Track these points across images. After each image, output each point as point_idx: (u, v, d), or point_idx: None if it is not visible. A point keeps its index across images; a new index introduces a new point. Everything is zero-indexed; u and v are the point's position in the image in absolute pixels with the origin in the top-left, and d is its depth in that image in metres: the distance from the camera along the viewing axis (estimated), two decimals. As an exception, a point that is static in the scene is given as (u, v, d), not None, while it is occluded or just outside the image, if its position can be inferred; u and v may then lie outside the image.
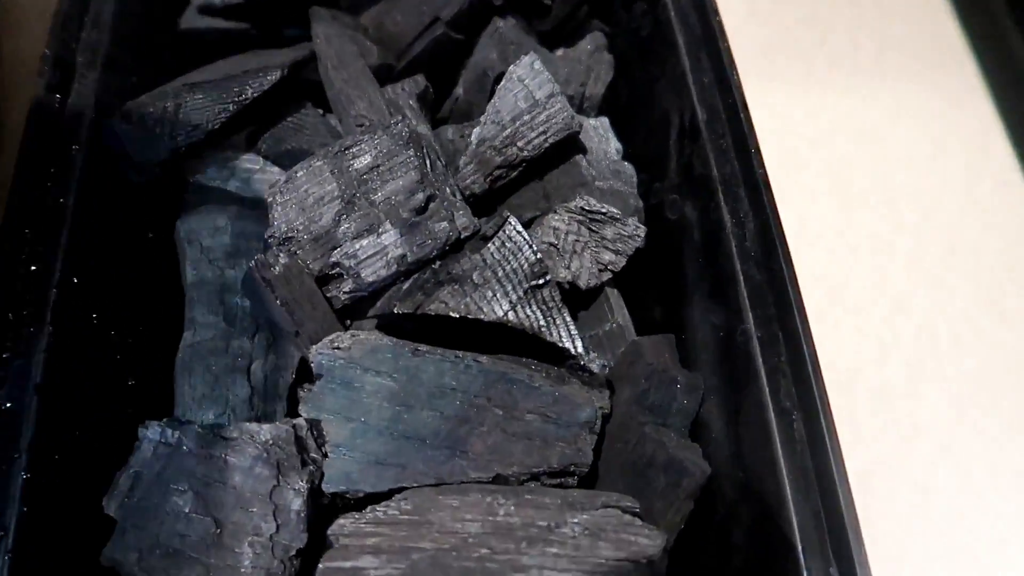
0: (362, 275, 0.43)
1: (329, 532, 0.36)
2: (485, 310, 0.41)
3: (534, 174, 0.50)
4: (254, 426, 0.38)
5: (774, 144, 0.57)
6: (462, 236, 0.44)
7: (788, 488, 0.37)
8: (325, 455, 0.39)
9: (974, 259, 0.60)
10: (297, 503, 0.37)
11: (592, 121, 0.54)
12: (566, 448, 0.41)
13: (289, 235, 0.44)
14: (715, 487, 0.41)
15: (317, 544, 0.38)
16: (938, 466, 0.52)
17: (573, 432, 0.41)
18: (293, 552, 0.37)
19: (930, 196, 0.63)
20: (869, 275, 0.59)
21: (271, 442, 0.38)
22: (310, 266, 0.44)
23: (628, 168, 0.53)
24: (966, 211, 0.62)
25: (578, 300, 0.48)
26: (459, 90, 0.56)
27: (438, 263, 0.43)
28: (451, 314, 0.41)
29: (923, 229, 0.62)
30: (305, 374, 0.45)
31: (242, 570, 0.37)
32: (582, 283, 0.46)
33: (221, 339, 0.44)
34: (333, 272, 0.44)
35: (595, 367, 0.42)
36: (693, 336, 0.46)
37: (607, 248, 0.47)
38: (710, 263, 0.46)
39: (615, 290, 0.49)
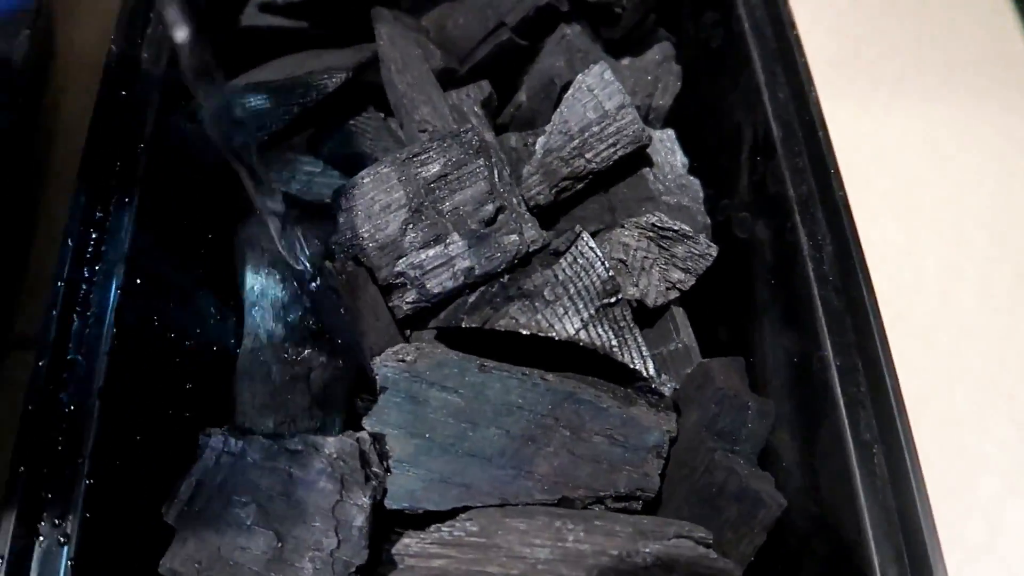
0: (427, 286, 0.42)
1: (394, 551, 0.35)
2: (556, 327, 0.40)
3: (599, 186, 0.49)
4: (319, 439, 0.37)
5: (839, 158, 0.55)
6: (530, 250, 0.43)
7: (868, 525, 0.36)
8: (388, 470, 0.38)
9: (1046, 287, 0.58)
10: (360, 519, 0.37)
11: (658, 133, 0.53)
12: (633, 472, 0.40)
13: (354, 242, 0.43)
14: (785, 519, 0.40)
15: (377, 560, 0.37)
16: (1006, 502, 0.50)
17: (640, 456, 0.40)
18: (354, 569, 0.37)
19: (1000, 219, 0.61)
20: (937, 301, 0.58)
21: (336, 456, 0.37)
22: (376, 273, 0.43)
23: (695, 183, 0.52)
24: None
25: (643, 318, 0.47)
26: (522, 96, 0.55)
27: (506, 277, 0.42)
28: (521, 331, 0.40)
29: (992, 253, 0.60)
30: (363, 385, 0.45)
31: (301, 586, 0.36)
32: (649, 301, 0.45)
33: (281, 346, 0.43)
34: (397, 282, 0.43)
35: (666, 391, 0.41)
36: (763, 360, 0.45)
37: (676, 266, 0.45)
38: (784, 286, 0.44)
39: (681, 308, 0.48)
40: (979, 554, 0.49)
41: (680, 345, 0.46)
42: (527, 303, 0.40)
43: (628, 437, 0.40)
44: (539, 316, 0.40)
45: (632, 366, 0.40)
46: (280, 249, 0.40)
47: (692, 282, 0.46)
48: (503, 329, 0.40)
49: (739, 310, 0.47)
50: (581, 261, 0.41)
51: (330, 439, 0.37)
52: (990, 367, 0.55)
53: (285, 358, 0.43)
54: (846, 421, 0.38)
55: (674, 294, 0.46)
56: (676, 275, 0.46)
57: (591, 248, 0.41)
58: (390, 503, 0.38)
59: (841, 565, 0.36)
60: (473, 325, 0.40)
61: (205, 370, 0.44)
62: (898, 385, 0.39)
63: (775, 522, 0.38)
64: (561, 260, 0.41)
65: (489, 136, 0.49)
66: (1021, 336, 0.56)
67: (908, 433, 0.37)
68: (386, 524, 0.38)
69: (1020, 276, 0.58)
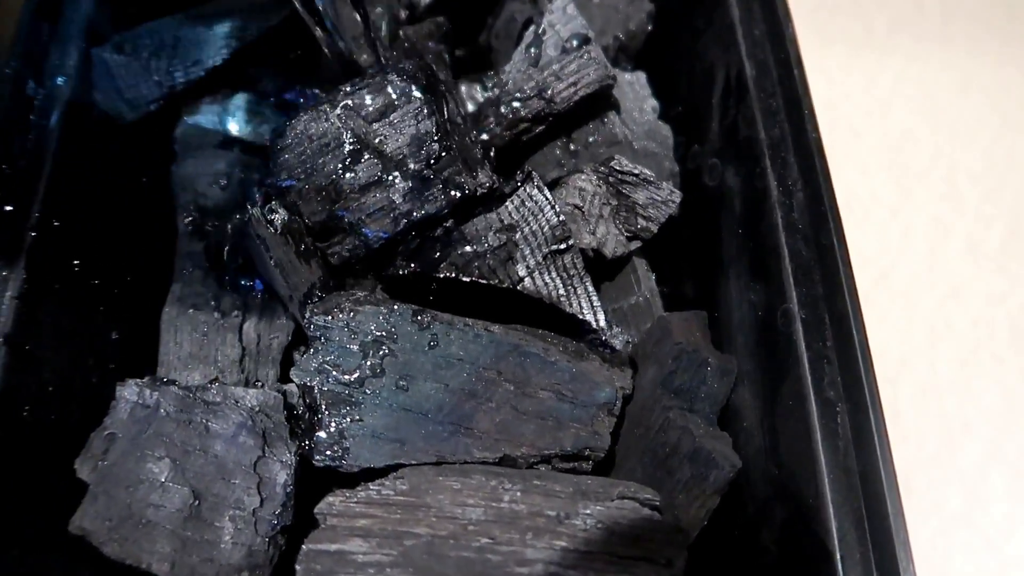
0: (366, 231, 0.39)
1: (316, 511, 0.33)
2: (499, 275, 0.37)
3: (561, 130, 0.46)
4: (239, 390, 0.34)
5: (825, 112, 0.52)
6: (478, 193, 0.40)
7: (828, 488, 0.33)
8: (316, 425, 0.36)
9: (1040, 246, 0.55)
10: (283, 476, 0.34)
11: (628, 76, 0.50)
12: (581, 430, 0.37)
13: (289, 184, 0.40)
14: (743, 481, 0.37)
15: (305, 522, 0.35)
16: (989, 468, 0.48)
17: (590, 413, 0.37)
18: (278, 529, 0.34)
19: (994, 174, 0.58)
20: (923, 259, 0.55)
21: (257, 409, 0.34)
22: (310, 218, 0.40)
23: (665, 128, 0.48)
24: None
25: (602, 270, 0.44)
26: (484, 36, 0.51)
27: (450, 222, 0.39)
28: (461, 278, 0.37)
29: (985, 211, 0.57)
30: (301, 338, 0.42)
31: (222, 546, 0.34)
32: (608, 251, 0.42)
33: (212, 294, 0.40)
34: (335, 225, 0.40)
35: (617, 343, 0.38)
36: (727, 315, 0.42)
37: (638, 214, 0.42)
38: (752, 235, 0.41)
39: (643, 260, 0.45)
40: (956, 523, 0.46)
41: (641, 299, 0.43)
42: (469, 249, 0.37)
43: (577, 393, 0.37)
44: (481, 262, 0.37)
45: (581, 316, 0.38)
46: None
47: (654, 231, 0.43)
48: (443, 276, 0.37)
49: (705, 263, 0.45)
50: (529, 204, 0.38)
51: (251, 391, 0.34)
52: (978, 330, 0.52)
53: (215, 307, 0.40)
54: (809, 378, 0.35)
55: (635, 244, 0.43)
56: (638, 223, 0.43)
57: (540, 190, 0.38)
58: (318, 460, 0.35)
59: (799, 530, 0.34)
60: (411, 272, 0.38)
61: (136, 320, 0.42)
62: (866, 341, 0.36)
63: (729, 484, 0.36)
64: (508, 203, 0.38)
65: (443, 74, 0.46)
66: (1012, 297, 0.53)
67: (875, 392, 0.35)
68: (316, 483, 0.36)
69: (1013, 234, 0.55)
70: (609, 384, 0.38)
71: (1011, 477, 0.47)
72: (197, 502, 0.34)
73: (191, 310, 0.40)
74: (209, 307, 0.40)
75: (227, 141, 0.45)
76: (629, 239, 0.43)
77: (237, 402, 0.34)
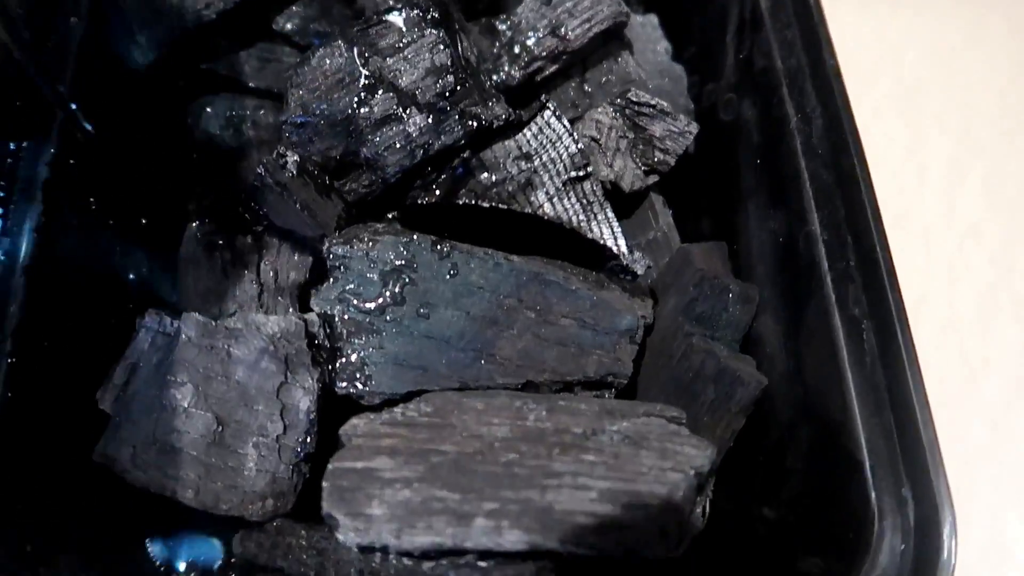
0: (383, 165, 0.39)
1: (341, 432, 0.33)
2: (519, 200, 0.37)
3: (576, 70, 0.46)
4: (260, 317, 0.34)
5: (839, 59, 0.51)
6: (495, 125, 0.39)
7: (856, 404, 0.33)
8: (339, 353, 0.35)
9: (1057, 186, 0.55)
10: (306, 403, 0.34)
11: (639, 18, 0.49)
12: (604, 357, 0.37)
13: (306, 120, 0.40)
14: (768, 407, 0.37)
15: (329, 449, 0.34)
16: (1012, 403, 0.47)
17: (612, 340, 0.37)
18: (302, 456, 0.34)
19: (1009, 119, 0.58)
20: (940, 201, 0.54)
21: (279, 335, 0.34)
22: (326, 154, 0.40)
23: (678, 68, 0.48)
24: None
25: (620, 206, 0.44)
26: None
27: (468, 153, 0.39)
28: (480, 204, 0.37)
29: (1000, 154, 0.56)
30: (320, 276, 0.42)
31: (245, 472, 0.34)
32: (625, 185, 0.42)
33: (228, 234, 0.40)
34: (351, 161, 0.40)
35: (639, 268, 0.38)
36: (747, 246, 0.42)
37: (655, 147, 0.42)
38: (770, 164, 0.41)
39: (660, 196, 0.44)
40: (981, 457, 0.46)
41: (659, 234, 0.43)
42: (488, 176, 0.37)
43: (599, 321, 0.37)
44: (500, 189, 0.37)
45: (601, 242, 0.37)
46: None
47: (671, 164, 0.42)
48: (462, 203, 0.37)
49: (723, 196, 0.44)
50: (548, 132, 0.38)
51: (273, 317, 0.34)
52: (996, 268, 0.52)
53: (231, 246, 0.40)
54: (833, 297, 0.35)
55: (652, 179, 0.43)
56: (655, 156, 0.42)
57: (558, 118, 0.38)
58: (340, 388, 0.35)
59: (826, 448, 0.34)
60: (430, 201, 0.37)
61: (155, 260, 0.42)
62: (891, 259, 0.35)
63: (754, 403, 0.35)
64: (525, 131, 0.38)
65: (455, 13, 0.45)
66: (1029, 234, 0.53)
67: (901, 308, 0.34)
68: (338, 414, 0.36)
69: (1029, 175, 0.55)
70: (630, 312, 0.38)
71: (1035, 411, 0.47)
72: (220, 428, 0.33)
73: (208, 249, 0.40)
74: (226, 246, 0.40)
75: (241, 87, 0.45)
76: (647, 173, 0.42)
77: (259, 328, 0.34)
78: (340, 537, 0.30)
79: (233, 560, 0.36)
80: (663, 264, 0.42)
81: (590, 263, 0.39)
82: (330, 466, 0.31)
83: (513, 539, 0.29)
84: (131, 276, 0.40)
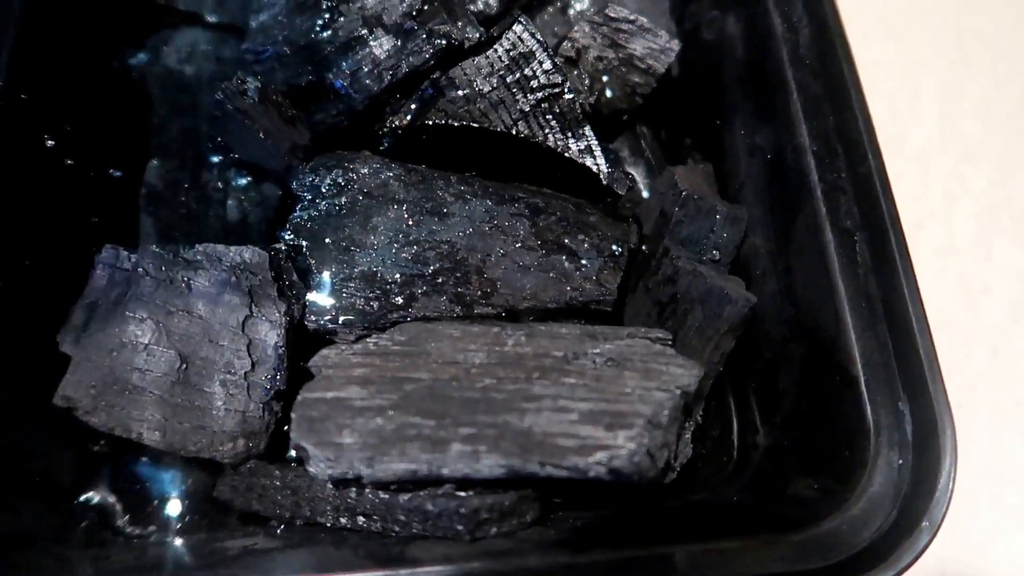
0: (350, 91, 0.37)
1: (311, 363, 0.31)
2: (491, 118, 0.35)
3: (552, -4, 0.44)
4: (221, 248, 0.33)
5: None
6: (465, 45, 0.37)
7: (849, 316, 0.31)
8: (308, 286, 0.34)
9: (1055, 105, 0.53)
10: (273, 337, 0.32)
11: (618, -62, 0.47)
12: (587, 283, 0.35)
13: (268, 48, 0.38)
14: (760, 329, 0.36)
15: (297, 383, 0.33)
16: (1013, 326, 0.46)
17: (595, 266, 0.35)
18: (272, 394, 0.33)
19: (1005, 36, 0.55)
20: (935, 123, 0.52)
21: (241, 266, 0.32)
22: (291, 82, 0.38)
23: (659, -11, 0.46)
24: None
25: (602, 131, 0.42)
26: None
27: (438, 73, 0.37)
28: (451, 123, 0.35)
29: (996, 72, 0.54)
30: (287, 210, 0.40)
31: (213, 412, 0.32)
32: (606, 107, 0.40)
33: (193, 171, 0.38)
34: (318, 89, 0.38)
35: (620, 187, 0.36)
36: (734, 166, 0.40)
37: (636, 67, 0.40)
38: (756, 79, 0.39)
39: (645, 121, 0.42)
40: (981, 380, 0.44)
41: (644, 159, 0.41)
42: (459, 94, 0.35)
43: (581, 246, 0.35)
44: (472, 107, 0.35)
45: (580, 160, 0.35)
46: None
47: (654, 85, 0.40)
48: (432, 124, 0.35)
49: (709, 119, 0.42)
50: (521, 48, 0.36)
51: (235, 247, 0.33)
52: (994, 191, 0.50)
53: (196, 183, 0.38)
54: (824, 210, 0.33)
55: (635, 101, 0.41)
56: (635, 79, 0.40)
57: (531, 34, 0.36)
58: (311, 322, 0.33)
59: (819, 364, 0.32)
60: (401, 124, 0.36)
61: (118, 204, 0.40)
62: (883, 167, 0.34)
63: (744, 323, 0.34)
64: (496, 47, 0.36)
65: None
66: (1028, 155, 0.51)
67: (895, 217, 0.33)
68: (310, 348, 0.34)
69: (1027, 95, 0.53)
70: (613, 236, 0.36)
71: (1035, 333, 0.46)
72: (184, 366, 0.32)
73: (170, 186, 0.38)
74: (188, 184, 0.38)
75: (203, 21, 0.43)
76: (628, 95, 0.40)
77: (220, 259, 0.32)
78: (311, 470, 0.29)
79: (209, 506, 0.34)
80: (648, 189, 0.40)
81: (571, 188, 0.38)
82: (299, 397, 0.30)
83: (491, 464, 0.27)
84: (93, 220, 0.38)
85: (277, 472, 0.32)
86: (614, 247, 0.36)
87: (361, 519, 0.30)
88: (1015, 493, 0.41)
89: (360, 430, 0.28)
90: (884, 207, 0.33)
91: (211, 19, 0.43)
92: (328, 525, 0.31)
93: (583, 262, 0.35)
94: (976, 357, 0.45)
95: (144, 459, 0.34)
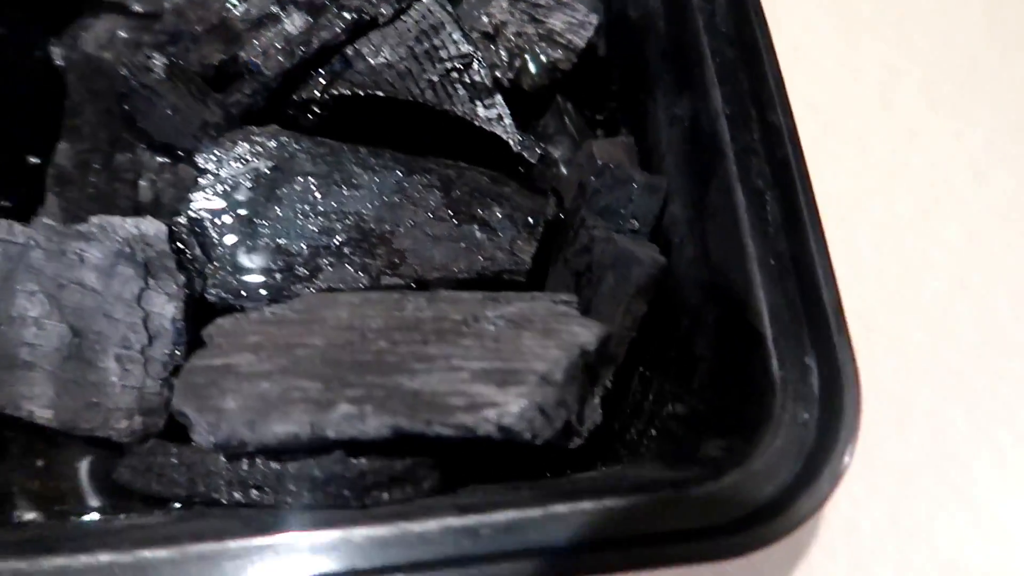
0: (263, 67, 0.37)
1: (204, 332, 0.30)
2: (399, 87, 0.35)
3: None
4: (117, 219, 0.32)
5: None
6: (379, 20, 0.37)
7: (757, 274, 0.31)
8: (211, 260, 0.33)
9: (996, 85, 0.53)
10: (171, 310, 0.32)
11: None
12: (499, 253, 0.34)
13: (180, 28, 0.38)
14: (679, 298, 0.35)
15: (198, 358, 0.32)
16: (954, 301, 0.45)
17: (508, 236, 0.35)
18: (171, 369, 0.32)
19: (945, 23, 0.55)
20: (875, 104, 0.52)
21: (137, 237, 0.32)
22: (206, 62, 0.37)
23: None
24: (991, 34, 0.54)
25: (524, 109, 0.41)
26: None
27: (350, 48, 0.37)
28: (358, 92, 0.34)
29: (938, 55, 0.54)
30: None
31: (108, 388, 0.31)
32: (526, 84, 0.40)
33: (103, 151, 0.38)
34: (232, 69, 0.37)
35: (531, 156, 0.36)
36: (656, 139, 0.39)
37: (556, 42, 0.40)
38: (675, 51, 0.39)
39: (568, 98, 0.42)
40: (921, 356, 0.43)
41: (566, 136, 0.41)
42: (366, 66, 0.35)
43: (494, 216, 0.35)
44: (379, 77, 0.35)
45: (488, 129, 0.35)
46: None
47: (574, 61, 0.40)
48: (337, 94, 0.34)
49: (631, 95, 0.42)
50: (431, 20, 0.36)
51: (131, 219, 0.32)
52: (936, 170, 0.50)
53: (107, 164, 0.38)
54: (735, 171, 0.33)
55: (556, 76, 0.40)
56: (556, 54, 0.40)
57: (441, 5, 0.36)
58: (212, 295, 0.33)
59: (731, 328, 0.31)
60: (306, 97, 0.35)
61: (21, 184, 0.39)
62: (794, 128, 0.33)
63: (654, 284, 0.33)
64: (405, 18, 0.35)
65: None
66: (970, 137, 0.51)
67: (805, 178, 0.32)
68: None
69: (969, 75, 0.53)
70: (529, 207, 0.35)
71: (978, 308, 0.45)
72: (77, 340, 0.31)
73: (80, 167, 0.37)
74: (100, 165, 0.37)
75: (124, 11, 0.42)
76: (549, 70, 0.40)
77: (116, 231, 0.31)
78: (195, 438, 0.28)
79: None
80: (566, 161, 0.40)
81: (485, 161, 0.37)
82: (186, 364, 0.29)
83: (376, 424, 0.26)
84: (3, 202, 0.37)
85: (174, 450, 0.31)
86: (529, 218, 0.35)
87: (254, 492, 0.29)
88: (957, 469, 0.40)
89: (244, 394, 0.27)
90: (794, 165, 0.32)
91: (135, 7, 0.43)
92: (224, 502, 0.30)
93: (496, 232, 0.35)
94: (916, 334, 0.44)
95: (40, 441, 0.33)
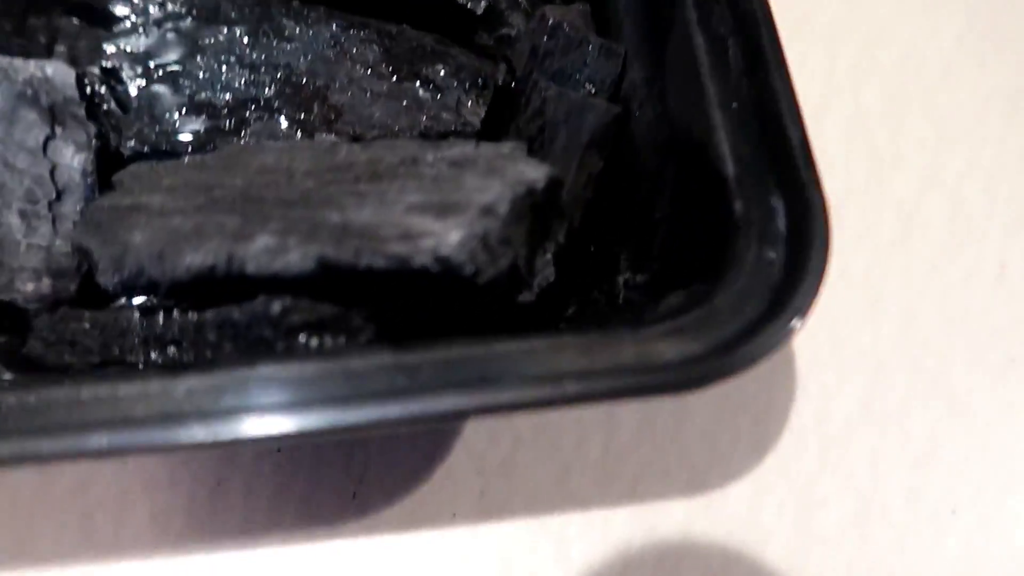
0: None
1: (115, 177, 0.28)
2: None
3: None
4: (19, 61, 0.29)
5: None
6: None
7: (718, 117, 0.28)
8: (127, 111, 0.30)
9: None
10: (80, 160, 0.29)
11: None
12: (445, 113, 0.32)
13: None
14: (638, 165, 0.33)
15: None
16: (925, 195, 0.43)
17: (455, 97, 0.32)
18: (83, 228, 0.29)
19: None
20: (842, 4, 0.50)
21: (42, 80, 0.29)
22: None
23: None
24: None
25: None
26: None
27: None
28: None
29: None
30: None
31: (11, 247, 0.28)
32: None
33: (15, 14, 0.35)
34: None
35: (476, 7, 0.33)
36: (613, 5, 0.37)
37: (506, -93, 0.37)
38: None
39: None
40: (892, 250, 0.42)
41: (519, 10, 0.38)
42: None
43: (438, 75, 0.32)
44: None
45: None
46: None
47: (528, -73, 0.38)
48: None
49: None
50: None
51: (35, 60, 0.29)
52: (906, 66, 0.48)
53: (21, 26, 0.34)
54: (695, 18, 0.31)
55: (509, -55, 0.38)
56: (508, -81, 0.38)
57: None
58: (129, 148, 0.30)
59: (692, 179, 0.29)
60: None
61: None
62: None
63: (608, 135, 0.31)
64: None
65: None
66: (943, 35, 0.49)
67: (770, 24, 0.30)
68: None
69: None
70: (477, 69, 0.33)
71: (950, 202, 0.43)
72: (-25, 192, 0.28)
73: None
74: (10, 28, 0.34)
75: None
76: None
77: (17, 72, 0.28)
78: (99, 279, 0.25)
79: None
80: (518, 37, 0.37)
81: (429, 27, 0.34)
82: (91, 204, 0.26)
83: (299, 256, 0.24)
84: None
85: (87, 314, 0.28)
86: (478, 79, 0.33)
87: (172, 349, 0.26)
88: (929, 354, 0.39)
89: (154, 228, 0.25)
90: (757, 9, 0.30)
91: None
92: (140, 365, 0.27)
93: (440, 91, 0.32)
94: (887, 227, 0.43)
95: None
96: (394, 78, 0.32)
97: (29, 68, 0.29)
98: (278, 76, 0.31)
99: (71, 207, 0.29)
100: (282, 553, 0.32)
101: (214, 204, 0.25)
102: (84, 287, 0.30)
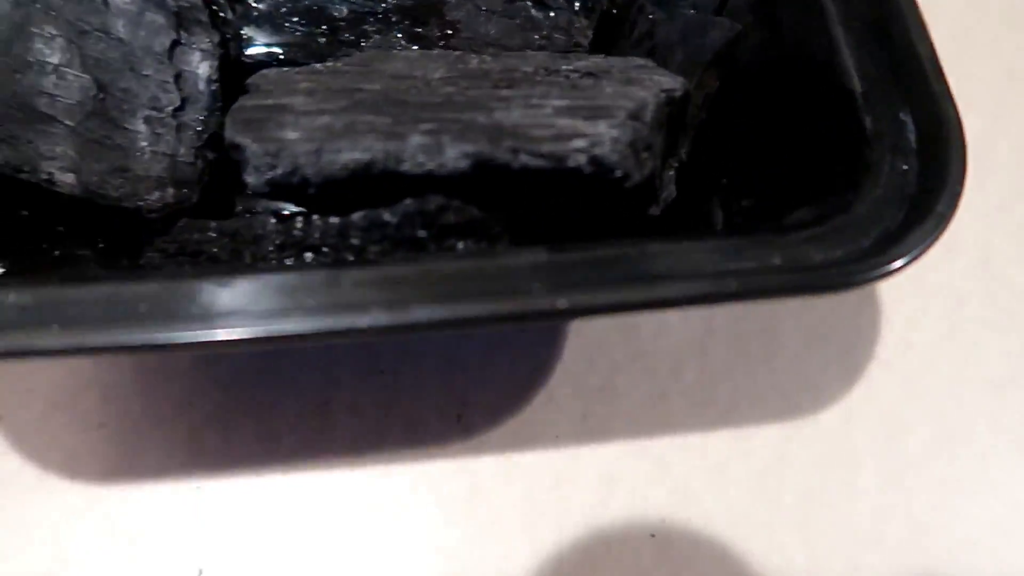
0: None
1: (248, 81, 0.27)
2: None
3: None
4: (143, -37, 0.29)
5: None
6: None
7: (840, 35, 0.29)
8: (247, 20, 0.30)
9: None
10: (205, 69, 0.29)
11: None
12: (556, 32, 0.32)
13: None
14: (747, 91, 0.33)
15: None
16: (997, 136, 0.44)
17: (565, 16, 0.32)
18: (206, 138, 0.29)
19: None
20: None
21: (167, -17, 0.28)
22: None
23: None
24: None
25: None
26: None
27: None
28: None
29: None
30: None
31: (137, 153, 0.28)
32: None
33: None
34: None
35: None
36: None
37: None
38: None
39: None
40: (969, 185, 0.42)
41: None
42: None
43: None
44: None
45: None
46: None
47: None
48: None
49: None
50: None
51: (158, -36, 0.29)
52: None
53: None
54: (810, -62, 0.31)
55: None
56: None
57: None
58: (250, 57, 0.30)
59: (813, 98, 0.30)
60: None
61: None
62: None
63: (729, 53, 0.31)
64: None
65: None
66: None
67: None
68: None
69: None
70: (584, -9, 0.33)
71: (1022, 145, 0.44)
72: (102, 96, 0.28)
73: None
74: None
75: None
76: None
77: (142, -25, 0.28)
78: (248, 179, 0.25)
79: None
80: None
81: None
82: (235, 105, 0.26)
83: (455, 154, 0.24)
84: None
85: (213, 224, 0.28)
86: (587, 1, 0.33)
87: (309, 254, 0.26)
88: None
89: (305, 127, 0.25)
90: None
91: None
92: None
93: (551, 11, 0.32)
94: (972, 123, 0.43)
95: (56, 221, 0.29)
96: (507, -3, 0.32)
97: (155, -29, 0.28)
98: (394, -9, 0.31)
99: (195, 115, 0.29)
100: (390, 472, 0.33)
101: (359, 105, 0.25)
102: (203, 199, 0.30)
